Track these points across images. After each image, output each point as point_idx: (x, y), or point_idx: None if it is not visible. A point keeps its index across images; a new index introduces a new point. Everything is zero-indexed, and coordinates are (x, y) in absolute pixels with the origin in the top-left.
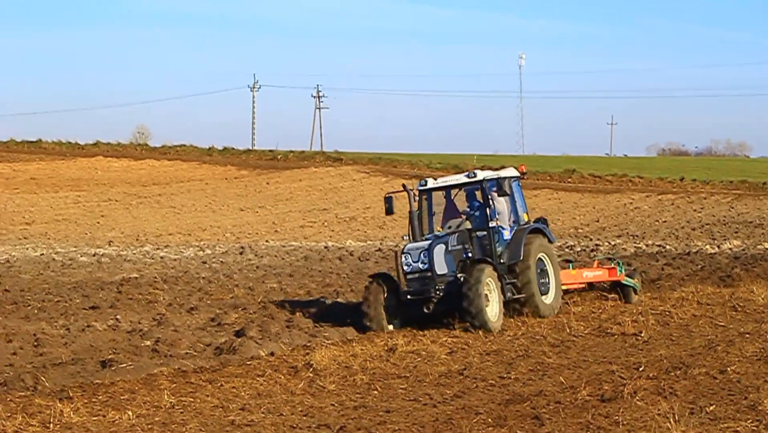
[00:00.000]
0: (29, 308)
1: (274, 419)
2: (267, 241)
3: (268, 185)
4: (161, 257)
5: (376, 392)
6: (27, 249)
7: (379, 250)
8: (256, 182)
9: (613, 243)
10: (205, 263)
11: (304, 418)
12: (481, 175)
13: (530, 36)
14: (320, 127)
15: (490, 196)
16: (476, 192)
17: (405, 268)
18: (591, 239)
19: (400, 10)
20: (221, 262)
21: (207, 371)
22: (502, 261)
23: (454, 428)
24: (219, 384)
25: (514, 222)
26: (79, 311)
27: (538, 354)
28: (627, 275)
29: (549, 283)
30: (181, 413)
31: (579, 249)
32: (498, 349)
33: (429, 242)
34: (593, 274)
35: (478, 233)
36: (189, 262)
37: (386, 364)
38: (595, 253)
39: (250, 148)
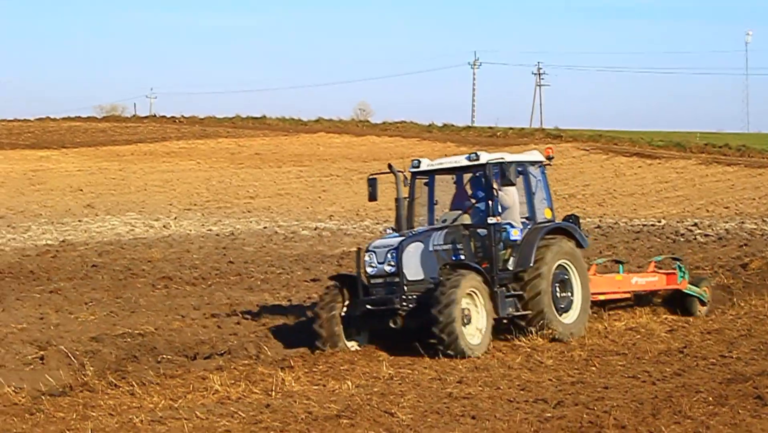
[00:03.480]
0: (252, 279)
1: (491, 393)
2: None
3: None
4: (380, 231)
5: (594, 368)
6: (251, 222)
7: (599, 227)
8: None
9: None
10: None
11: (521, 392)
12: (484, 157)
13: (757, 12)
14: (540, 105)
15: (495, 186)
16: (483, 179)
17: (368, 270)
18: None
19: None
20: None
21: (425, 344)
22: (508, 267)
23: (673, 406)
24: (437, 357)
25: (528, 219)
26: (300, 283)
27: (762, 333)
28: (692, 283)
29: (572, 298)
30: (399, 384)
31: None
32: (719, 328)
33: (400, 238)
34: (645, 280)
35: (479, 230)
36: None
37: (604, 340)
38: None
39: (470, 124)
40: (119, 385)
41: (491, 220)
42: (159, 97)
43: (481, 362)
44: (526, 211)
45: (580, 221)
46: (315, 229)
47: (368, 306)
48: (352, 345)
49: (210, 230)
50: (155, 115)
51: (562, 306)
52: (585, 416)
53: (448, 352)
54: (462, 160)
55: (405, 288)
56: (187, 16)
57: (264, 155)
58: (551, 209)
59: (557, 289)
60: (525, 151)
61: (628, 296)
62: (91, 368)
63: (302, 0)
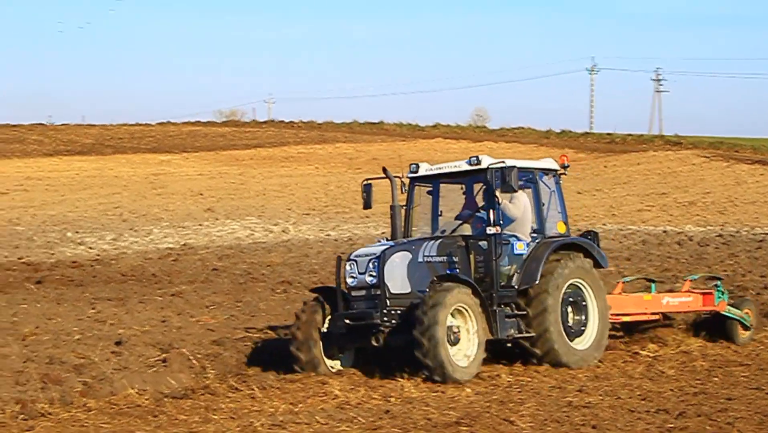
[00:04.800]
0: None
1: (611, 402)
2: (604, 224)
3: (605, 168)
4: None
5: (716, 379)
6: (368, 227)
7: (720, 235)
8: (594, 165)
9: None
10: None
11: (642, 402)
12: (486, 161)
13: None
14: (659, 111)
15: (496, 194)
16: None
17: (348, 281)
18: None
19: None
20: None
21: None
22: (512, 285)
23: None
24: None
25: (536, 232)
26: None
27: None
28: (732, 305)
29: (586, 322)
30: (519, 392)
31: None
32: None
33: (385, 246)
34: (678, 301)
35: (480, 242)
36: None
37: (727, 351)
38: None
39: (588, 131)
40: (240, 388)
41: (491, 230)
42: (277, 103)
43: (601, 371)
44: (536, 224)
45: (703, 229)
46: None
47: (347, 321)
48: (334, 365)
49: (328, 235)
50: (274, 121)
51: (574, 330)
52: (708, 427)
53: (434, 377)
54: (462, 165)
55: (387, 302)
56: (305, 22)
57: (381, 160)
58: (566, 223)
59: (569, 311)
60: (543, 159)
61: (657, 318)
62: (213, 372)
63: (420, 6)
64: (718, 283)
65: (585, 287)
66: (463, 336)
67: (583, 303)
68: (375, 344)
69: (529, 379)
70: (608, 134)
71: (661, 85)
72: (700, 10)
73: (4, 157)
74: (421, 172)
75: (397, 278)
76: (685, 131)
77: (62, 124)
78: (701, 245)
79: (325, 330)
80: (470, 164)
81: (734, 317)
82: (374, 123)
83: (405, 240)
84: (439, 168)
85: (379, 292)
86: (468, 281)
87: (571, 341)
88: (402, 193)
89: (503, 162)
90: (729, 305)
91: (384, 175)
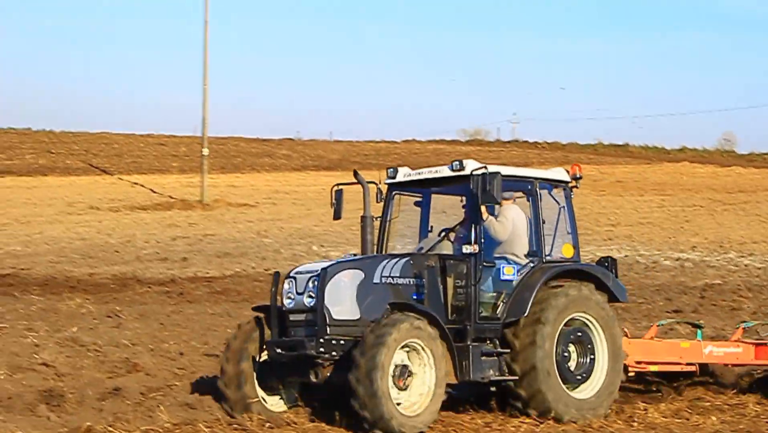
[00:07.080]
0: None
1: None
2: None
3: None
4: (745, 265)
5: None
6: (611, 250)
7: None
8: None
9: None
10: None
11: None
12: (470, 167)
13: None
14: None
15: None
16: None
17: (285, 302)
18: None
19: None
20: None
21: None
22: (497, 316)
23: None
24: None
25: (533, 256)
26: (661, 313)
27: None
28: None
29: (590, 366)
30: (767, 422)
31: None
32: None
33: (329, 263)
34: (724, 351)
35: (461, 264)
36: None
37: None
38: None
39: None
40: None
41: (467, 249)
42: (521, 123)
43: None
44: (533, 245)
45: None
46: (677, 259)
47: (277, 350)
48: (274, 403)
49: None
50: (518, 141)
51: (578, 375)
52: None
53: (375, 432)
54: (444, 171)
55: (327, 329)
56: (548, 42)
57: (626, 183)
58: (575, 246)
59: (569, 352)
60: (552, 169)
61: (692, 369)
62: None
63: (667, 26)
64: None
65: (592, 324)
66: (416, 380)
67: (590, 344)
68: (314, 380)
69: None
70: None
71: None
72: None
73: (254, 170)
74: (399, 177)
75: (344, 302)
76: None
77: (310, 140)
78: None
79: (263, 360)
80: (452, 170)
81: None
82: (619, 145)
83: (357, 256)
84: (419, 173)
85: (317, 317)
86: (426, 311)
87: (571, 388)
88: (378, 202)
89: (485, 167)
90: None
91: (356, 180)
